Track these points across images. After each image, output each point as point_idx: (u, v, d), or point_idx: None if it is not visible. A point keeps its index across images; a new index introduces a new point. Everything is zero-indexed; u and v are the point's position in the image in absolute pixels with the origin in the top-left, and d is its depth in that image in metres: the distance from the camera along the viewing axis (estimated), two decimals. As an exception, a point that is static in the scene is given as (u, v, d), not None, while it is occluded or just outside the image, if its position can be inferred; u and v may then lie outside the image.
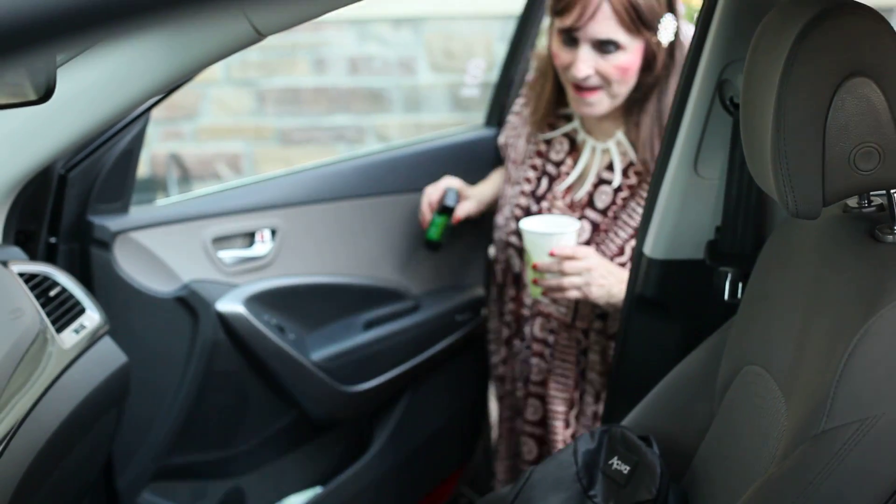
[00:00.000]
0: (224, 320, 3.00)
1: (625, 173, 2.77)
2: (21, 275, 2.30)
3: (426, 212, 3.10)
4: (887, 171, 1.68)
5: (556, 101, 2.87)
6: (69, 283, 2.43)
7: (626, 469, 2.08)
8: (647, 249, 2.49)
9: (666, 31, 2.66)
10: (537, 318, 2.91)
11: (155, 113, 3.03)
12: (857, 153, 1.67)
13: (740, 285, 2.35)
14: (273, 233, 3.17)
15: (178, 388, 3.02)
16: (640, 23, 2.62)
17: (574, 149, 2.87)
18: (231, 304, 3.02)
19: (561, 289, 2.62)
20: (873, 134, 1.66)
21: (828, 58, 1.65)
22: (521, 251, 2.87)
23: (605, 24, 2.61)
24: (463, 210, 3.10)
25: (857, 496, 1.61)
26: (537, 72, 2.93)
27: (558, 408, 2.89)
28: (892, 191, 1.73)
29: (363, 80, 6.05)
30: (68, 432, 2.22)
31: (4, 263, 2.28)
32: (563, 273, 2.60)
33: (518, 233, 2.82)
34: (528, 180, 2.92)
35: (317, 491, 3.31)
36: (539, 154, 2.92)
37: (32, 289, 2.30)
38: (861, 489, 1.61)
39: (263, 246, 3.18)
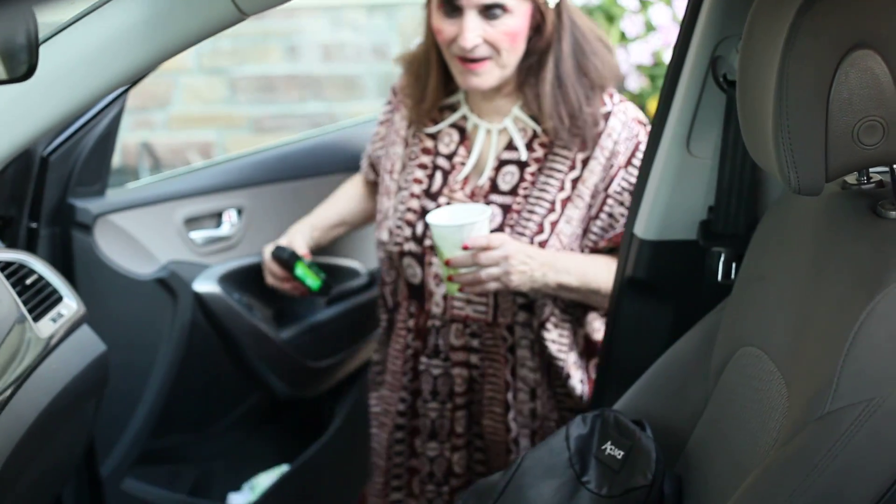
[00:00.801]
0: (201, 300, 3.02)
1: (529, 147, 2.65)
2: (-4, 263, 2.27)
3: (282, 282, 2.91)
4: (891, 145, 1.66)
5: (444, 88, 2.71)
6: (46, 270, 2.41)
7: (619, 454, 2.05)
8: (639, 231, 2.46)
9: None
10: (451, 325, 2.72)
11: (126, 102, 3.02)
12: (861, 127, 1.64)
13: (734, 266, 2.33)
14: (239, 212, 3.19)
15: (157, 370, 3.05)
16: None
17: (465, 137, 2.71)
18: (207, 285, 3.06)
19: (479, 282, 2.49)
20: (877, 108, 1.64)
21: (831, 30, 1.63)
22: (421, 258, 2.70)
23: None
24: (300, 244, 2.90)
25: (864, 477, 1.59)
26: (413, 62, 2.76)
27: (497, 410, 2.75)
28: (895, 165, 1.70)
29: (337, 67, 6.02)
30: (48, 422, 2.20)
31: (-21, 251, 2.24)
32: (479, 265, 2.48)
33: (416, 238, 2.69)
34: (417, 181, 2.72)
35: (283, 469, 3.38)
36: (426, 151, 2.73)
37: (8, 277, 2.28)
38: (868, 470, 1.59)
39: (231, 226, 3.20)
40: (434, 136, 2.72)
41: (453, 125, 2.71)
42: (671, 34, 4.96)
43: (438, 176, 2.70)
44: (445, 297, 2.68)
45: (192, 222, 3.16)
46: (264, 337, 3.16)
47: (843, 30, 1.63)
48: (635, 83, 5.04)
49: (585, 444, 2.09)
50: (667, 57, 4.84)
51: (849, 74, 1.63)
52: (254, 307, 3.17)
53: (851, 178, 1.84)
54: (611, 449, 2.06)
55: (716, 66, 2.28)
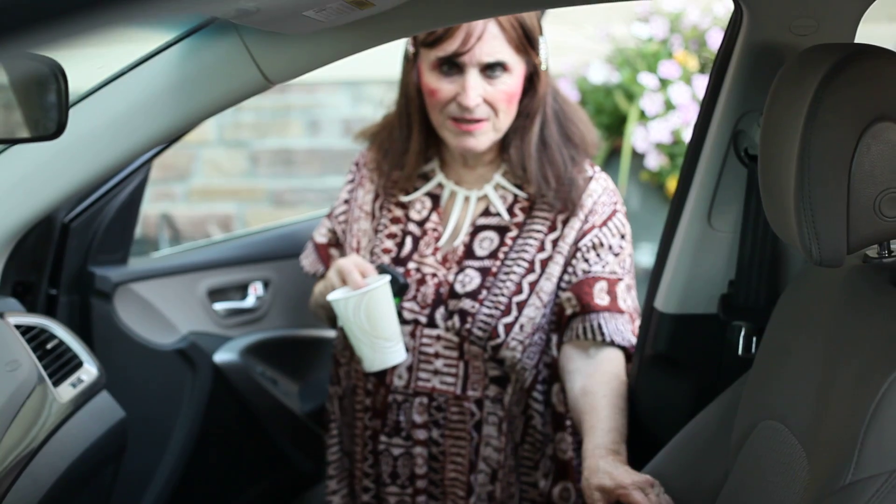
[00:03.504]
0: (220, 372, 3.00)
1: (510, 211, 2.60)
2: (18, 327, 2.27)
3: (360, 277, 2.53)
4: None
5: (424, 154, 2.63)
6: (66, 335, 2.41)
7: None
8: (659, 304, 2.46)
9: (544, 51, 2.55)
10: (415, 398, 2.59)
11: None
12: (883, 199, 1.65)
13: (754, 340, 2.32)
14: (266, 285, 3.17)
15: (174, 442, 3.01)
16: (526, 41, 2.50)
17: (437, 204, 2.64)
18: (228, 356, 3.03)
19: None
20: (899, 180, 1.64)
21: (853, 103, 1.64)
22: None
23: (494, 45, 2.48)
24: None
25: (887, 551, 1.57)
26: (382, 132, 2.66)
27: (459, 493, 2.62)
28: (917, 238, 1.71)
29: (357, 143, 6.04)
30: (65, 487, 2.19)
31: (1, 315, 2.25)
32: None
33: None
34: (386, 251, 2.62)
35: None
36: (396, 220, 2.64)
37: (29, 341, 2.28)
38: (890, 544, 1.57)
39: (257, 298, 3.19)
40: (405, 206, 2.65)
41: (426, 193, 2.65)
42: (691, 113, 4.99)
43: (409, 242, 2.62)
44: (410, 369, 2.58)
45: (216, 294, 3.15)
46: (287, 411, 3.13)
47: (864, 103, 1.64)
48: (654, 161, 5.06)
49: None
50: (686, 135, 4.87)
51: (870, 147, 1.64)
52: (278, 381, 3.15)
53: (872, 252, 1.84)
54: None
55: (737, 141, 2.29)
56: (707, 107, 2.33)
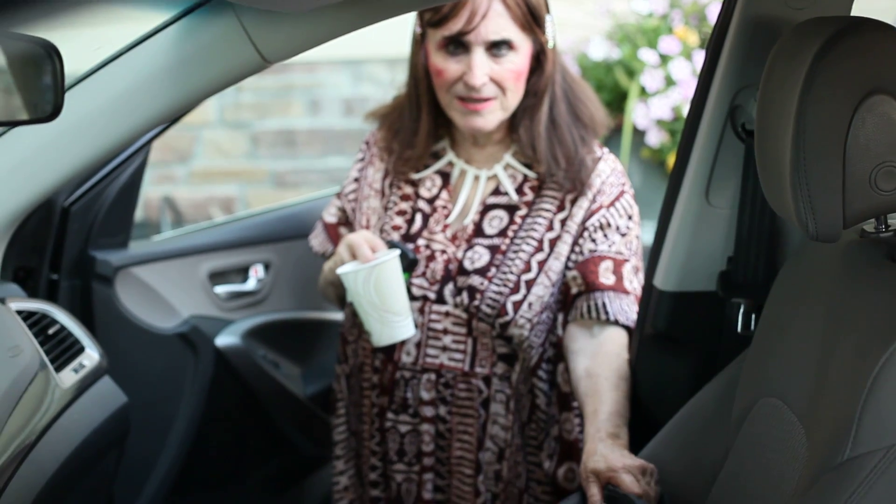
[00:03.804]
0: (222, 356, 3.00)
1: (519, 190, 2.61)
2: (19, 312, 2.27)
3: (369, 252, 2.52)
4: None
5: (435, 133, 2.64)
6: (68, 321, 2.41)
7: None
8: (658, 282, 2.46)
9: (550, 29, 2.56)
10: (423, 375, 2.60)
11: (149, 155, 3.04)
12: (878, 173, 1.65)
13: (753, 316, 2.32)
14: (266, 267, 3.16)
15: (177, 426, 3.02)
16: (531, 18, 2.50)
17: (447, 182, 2.65)
18: (229, 339, 3.02)
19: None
20: (894, 153, 1.64)
21: (847, 76, 1.64)
22: None
23: (499, 22, 2.48)
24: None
25: (885, 525, 1.57)
26: (393, 113, 2.68)
27: (465, 471, 2.62)
28: (913, 212, 1.71)
29: (358, 122, 6.04)
30: (68, 473, 2.19)
31: (2, 301, 2.25)
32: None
33: None
34: (396, 227, 2.63)
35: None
36: (405, 198, 2.66)
37: (31, 326, 2.28)
38: (889, 519, 1.57)
39: (258, 281, 3.18)
40: (415, 183, 2.67)
41: (436, 171, 2.67)
42: (691, 89, 4.97)
43: (419, 219, 2.64)
44: (418, 345, 2.59)
45: (217, 276, 3.15)
46: (289, 394, 3.13)
47: (859, 76, 1.64)
48: (655, 138, 5.05)
49: None
50: (686, 111, 4.86)
51: (865, 120, 1.64)
52: (280, 364, 3.15)
53: (869, 227, 1.84)
54: None
55: (734, 116, 2.28)
56: (704, 82, 2.32)
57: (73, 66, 1.91)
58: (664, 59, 5.12)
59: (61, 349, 2.33)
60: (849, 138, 1.64)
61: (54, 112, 1.75)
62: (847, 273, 1.82)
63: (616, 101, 5.20)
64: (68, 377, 2.28)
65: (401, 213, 2.65)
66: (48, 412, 2.12)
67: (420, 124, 2.62)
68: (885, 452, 1.57)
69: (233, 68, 2.04)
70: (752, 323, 2.32)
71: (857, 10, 2.14)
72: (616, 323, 2.53)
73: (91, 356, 2.39)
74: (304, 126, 6.18)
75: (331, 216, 2.81)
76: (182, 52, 2.02)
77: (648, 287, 2.48)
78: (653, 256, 2.47)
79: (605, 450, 2.25)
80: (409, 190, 2.66)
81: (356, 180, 2.76)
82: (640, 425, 2.43)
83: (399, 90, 2.70)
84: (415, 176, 2.66)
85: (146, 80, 2.03)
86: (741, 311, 2.34)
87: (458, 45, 2.50)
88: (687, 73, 5.02)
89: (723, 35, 2.27)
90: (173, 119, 2.56)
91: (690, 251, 2.41)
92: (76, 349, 2.37)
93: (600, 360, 2.50)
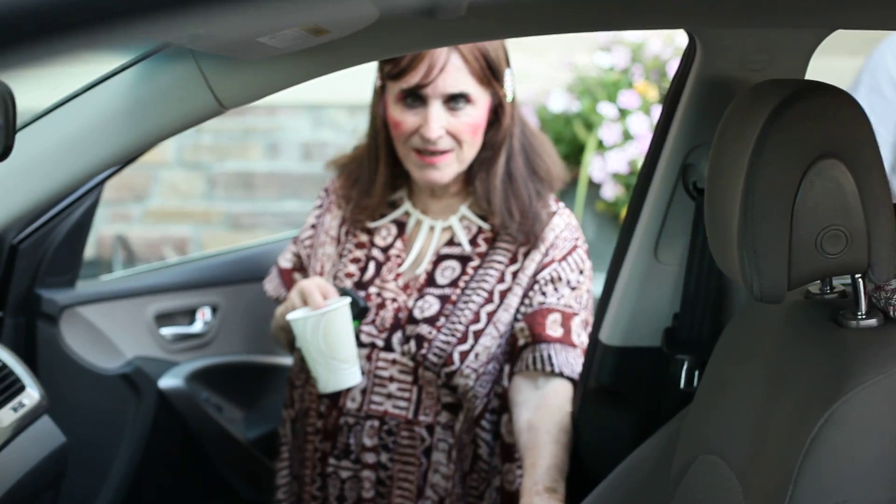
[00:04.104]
0: (165, 397, 2.99)
1: (473, 242, 2.62)
2: (-40, 349, 2.25)
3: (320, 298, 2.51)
4: (853, 255, 1.66)
5: (392, 184, 2.66)
6: (10, 359, 2.40)
7: None
8: (604, 336, 2.46)
9: (509, 83, 2.57)
10: (367, 421, 2.60)
11: (104, 194, 3.04)
12: (825, 236, 1.65)
13: (696, 373, 2.32)
14: (214, 310, 3.16)
15: (117, 467, 2.99)
16: (489, 72, 2.52)
17: (402, 232, 2.66)
18: (173, 381, 3.02)
19: None
20: (841, 217, 1.64)
21: (798, 139, 1.64)
22: None
23: (456, 76, 2.50)
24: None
25: (821, 590, 1.57)
26: (352, 163, 2.68)
27: None
28: (856, 275, 1.71)
29: (316, 166, 6.05)
30: (2, 513, 2.15)
31: (-57, 337, 2.23)
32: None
33: None
34: (349, 275, 2.64)
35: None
36: (360, 246, 2.66)
37: (-29, 364, 2.25)
38: (825, 582, 1.57)
39: (205, 323, 3.17)
40: (370, 231, 2.67)
41: (392, 220, 2.67)
42: (648, 143, 5.00)
43: (372, 267, 2.64)
44: (364, 391, 2.59)
45: (164, 318, 3.13)
46: (231, 438, 3.12)
47: (810, 139, 1.64)
48: (611, 191, 5.07)
49: None
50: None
51: (814, 183, 1.64)
52: (223, 407, 3.14)
53: (814, 288, 1.84)
54: None
55: (686, 174, 2.29)
56: (658, 139, 2.33)
57: (30, 104, 1.90)
58: (623, 112, 5.14)
59: (1, 387, 2.30)
60: (797, 201, 1.64)
61: (4, 153, 1.73)
62: (790, 333, 1.82)
63: (573, 154, 5.22)
64: (7, 415, 2.26)
65: (355, 260, 2.65)
66: (-16, 450, 2.10)
67: (378, 175, 2.63)
68: (821, 514, 1.57)
69: (189, 113, 2.03)
70: (696, 379, 2.32)
71: (819, 71, 2.16)
72: (561, 375, 2.53)
73: (31, 395, 2.37)
74: (263, 169, 6.17)
75: (286, 261, 2.81)
76: (139, 94, 2.01)
77: (594, 341, 2.48)
78: (599, 310, 2.47)
79: (542, 502, 2.25)
80: (364, 238, 2.66)
81: (313, 226, 2.76)
82: (579, 479, 2.43)
83: (359, 138, 2.71)
84: (371, 224, 2.66)
85: (101, 121, 2.02)
86: (685, 367, 2.34)
87: (415, 97, 2.51)
88: (645, 128, 5.04)
89: (678, 93, 2.28)
90: (127, 161, 2.55)
91: (637, 306, 2.41)
92: (16, 388, 2.35)
93: (542, 413, 2.49)
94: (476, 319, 2.56)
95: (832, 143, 1.65)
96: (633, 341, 2.44)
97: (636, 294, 2.40)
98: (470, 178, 2.61)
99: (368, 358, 2.58)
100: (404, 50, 2.29)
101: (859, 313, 1.71)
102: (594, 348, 2.48)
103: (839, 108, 1.68)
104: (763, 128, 1.65)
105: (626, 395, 2.47)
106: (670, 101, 2.31)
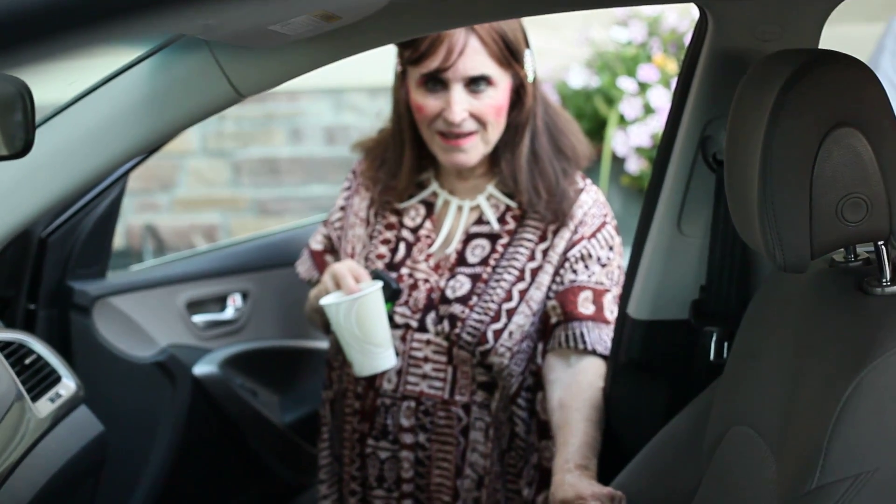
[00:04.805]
0: (200, 384, 3.00)
1: (501, 219, 2.63)
2: (-5, 342, 2.27)
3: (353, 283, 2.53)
4: (875, 222, 1.67)
5: (418, 166, 2.66)
6: (44, 350, 2.41)
7: None
8: (632, 310, 2.46)
9: (530, 63, 2.58)
10: (403, 402, 2.62)
11: (131, 184, 3.06)
12: (845, 204, 1.65)
13: (726, 345, 2.33)
14: (244, 296, 3.17)
15: (155, 455, 3.01)
16: (509, 54, 2.52)
17: (431, 212, 2.67)
18: (207, 368, 3.03)
19: None
20: (860, 185, 1.65)
21: (814, 108, 1.64)
22: None
23: (476, 59, 2.50)
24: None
25: (853, 555, 1.58)
26: (378, 146, 2.70)
27: (444, 498, 2.63)
28: (879, 242, 1.71)
29: (339, 150, 6.06)
30: (44, 503, 2.17)
31: (-22, 331, 2.25)
32: None
33: None
34: (380, 256, 2.65)
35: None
36: (390, 227, 2.67)
37: (7, 356, 2.28)
38: (857, 548, 1.58)
39: (236, 310, 3.19)
40: (399, 213, 2.68)
41: (420, 200, 2.69)
42: (669, 116, 4.99)
43: (402, 248, 2.65)
44: (399, 373, 2.61)
45: (195, 306, 3.15)
46: (267, 422, 3.14)
47: (826, 108, 1.65)
48: (635, 165, 5.07)
49: None
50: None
51: (832, 152, 1.64)
52: (258, 392, 3.15)
53: (839, 256, 1.84)
54: None
55: (705, 146, 2.30)
56: (675, 112, 2.33)
57: (50, 98, 1.93)
58: (643, 86, 5.15)
59: (38, 379, 2.32)
60: (815, 170, 1.64)
61: (25, 149, 1.76)
62: (817, 302, 1.83)
63: (596, 129, 5.23)
64: (44, 407, 2.27)
65: (385, 241, 2.67)
66: (24, 442, 2.12)
67: (404, 158, 2.64)
68: (852, 481, 1.58)
69: (207, 102, 2.05)
70: (725, 351, 2.33)
71: (835, 39, 2.16)
72: (594, 352, 2.54)
73: (68, 385, 2.39)
74: (287, 154, 6.19)
75: (317, 243, 2.83)
76: (156, 85, 2.03)
77: (622, 316, 2.49)
78: (626, 285, 2.47)
79: (574, 480, 2.26)
80: (393, 219, 2.68)
81: (342, 209, 2.77)
82: (612, 454, 2.43)
83: (382, 121, 2.73)
84: (399, 205, 2.68)
85: (120, 113, 2.04)
86: (713, 339, 2.34)
87: (436, 81, 2.53)
88: (665, 101, 5.04)
89: (693, 66, 2.28)
90: (148, 152, 2.57)
91: (663, 280, 2.41)
92: (53, 379, 2.37)
93: (574, 390, 2.50)
94: (508, 298, 2.58)
95: (847, 111, 1.65)
96: (661, 314, 2.44)
97: (661, 267, 2.41)
98: (495, 160, 2.61)
99: (403, 339, 2.60)
100: (417, 32, 2.29)
101: (884, 280, 1.72)
102: (623, 323, 2.48)
103: (853, 76, 1.68)
104: (778, 96, 1.65)
105: (656, 368, 2.47)
106: (685, 75, 2.31)
